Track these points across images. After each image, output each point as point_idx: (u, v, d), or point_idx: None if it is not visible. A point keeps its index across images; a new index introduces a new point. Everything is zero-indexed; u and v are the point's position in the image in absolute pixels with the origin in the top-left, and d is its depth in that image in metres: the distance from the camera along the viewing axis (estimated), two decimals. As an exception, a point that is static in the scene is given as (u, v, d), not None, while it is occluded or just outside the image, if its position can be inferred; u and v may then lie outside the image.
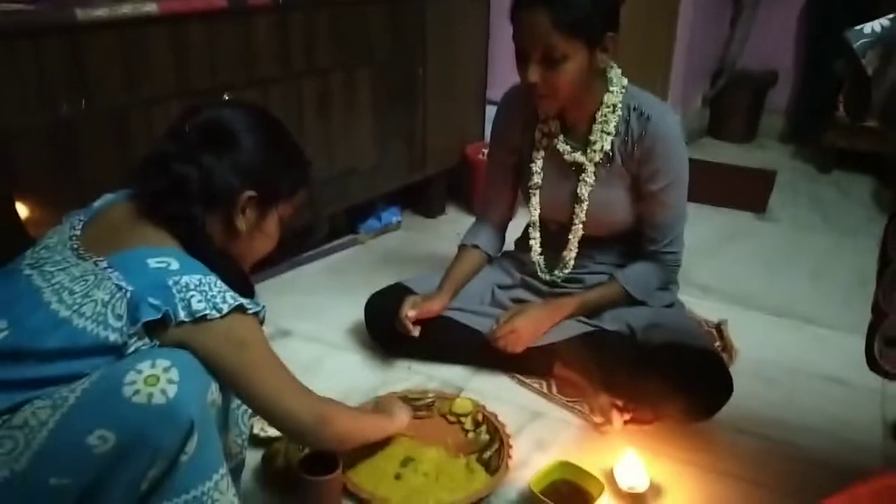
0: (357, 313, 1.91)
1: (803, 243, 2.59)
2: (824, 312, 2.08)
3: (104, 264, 1.06)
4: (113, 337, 1.02)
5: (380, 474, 1.42)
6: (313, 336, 1.94)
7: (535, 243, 1.77)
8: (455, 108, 2.63)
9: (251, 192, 1.15)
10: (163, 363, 1.00)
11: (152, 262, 1.06)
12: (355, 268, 2.35)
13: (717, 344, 1.91)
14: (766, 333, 2.00)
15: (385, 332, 1.80)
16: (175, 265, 1.06)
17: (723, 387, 1.55)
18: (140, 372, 0.99)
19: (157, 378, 0.99)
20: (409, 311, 1.70)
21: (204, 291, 1.05)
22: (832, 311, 2.07)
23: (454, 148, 2.67)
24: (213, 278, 1.08)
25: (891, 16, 1.11)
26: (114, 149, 1.65)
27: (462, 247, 1.86)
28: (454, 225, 2.57)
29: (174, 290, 1.03)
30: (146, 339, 1.03)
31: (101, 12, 1.55)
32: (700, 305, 2.08)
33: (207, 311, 1.04)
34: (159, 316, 1.02)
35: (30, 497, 1.00)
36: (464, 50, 2.59)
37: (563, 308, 1.71)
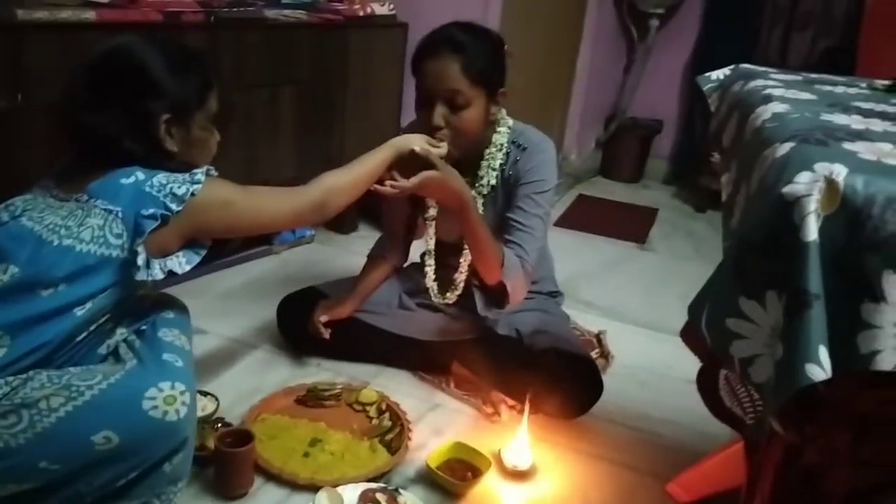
0: (269, 315, 2.03)
1: (677, 270, 2.89)
2: (690, 327, 2.34)
3: (85, 198, 1.16)
4: (115, 253, 1.14)
5: (289, 452, 1.53)
6: (227, 335, 2.04)
7: (430, 270, 1.88)
8: (371, 130, 2.77)
9: (166, 116, 1.22)
10: (180, 387, 1.14)
11: (124, 181, 1.16)
12: (269, 276, 2.45)
13: (596, 351, 2.13)
14: (640, 343, 2.24)
15: (297, 331, 1.92)
16: (141, 175, 1.17)
17: (594, 389, 1.74)
18: (161, 390, 1.11)
19: (174, 398, 1.12)
20: (322, 316, 1.82)
21: (176, 179, 1.18)
22: None
23: (368, 169, 2.81)
24: (171, 174, 1.20)
25: (731, 67, 1.38)
26: (49, 142, 1.71)
27: (370, 257, 1.99)
28: (366, 241, 2.66)
29: (154, 192, 1.15)
30: (144, 253, 1.14)
31: (41, 14, 1.64)
32: (583, 318, 2.31)
33: (191, 188, 1.17)
34: (159, 222, 1.14)
35: (11, 471, 1.06)
36: (381, 78, 2.75)
37: (472, 203, 1.62)
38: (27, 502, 1.11)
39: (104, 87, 1.20)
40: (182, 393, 1.14)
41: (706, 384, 0.91)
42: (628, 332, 2.30)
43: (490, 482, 1.54)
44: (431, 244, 1.86)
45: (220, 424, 1.57)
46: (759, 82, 1.19)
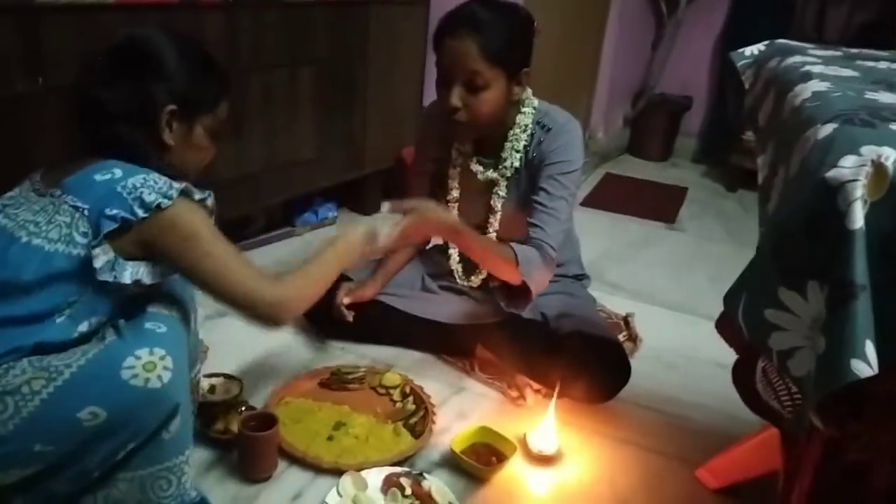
0: (293, 297, 2.02)
1: (706, 251, 2.84)
2: (720, 310, 2.28)
3: (58, 192, 1.13)
4: (83, 253, 1.10)
5: (312, 436, 1.53)
6: (251, 317, 2.03)
7: (454, 253, 1.88)
8: (393, 111, 2.76)
9: (172, 107, 1.19)
10: (160, 352, 1.09)
11: (98, 177, 1.12)
12: (291, 258, 2.44)
13: (624, 334, 2.10)
14: (668, 326, 2.20)
15: (320, 314, 1.91)
16: (119, 173, 1.13)
17: (622, 373, 1.70)
18: (139, 357, 1.08)
19: (154, 364, 1.08)
20: (345, 299, 1.81)
21: (150, 186, 1.11)
22: None
23: (391, 149, 2.79)
24: (154, 175, 1.14)
25: (766, 42, 1.32)
26: (67, 126, 1.71)
27: (394, 239, 1.98)
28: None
29: (124, 195, 1.10)
30: (110, 253, 1.10)
31: (59, -4, 1.63)
32: (610, 300, 2.27)
33: (159, 200, 1.10)
34: (117, 224, 1.08)
35: (10, 457, 1.06)
36: (403, 56, 2.71)
37: (456, 225, 1.62)
38: (37, 484, 1.11)
39: (117, 67, 1.18)
40: (162, 358, 1.09)
41: (742, 377, 0.87)
42: (656, 315, 2.26)
43: (515, 467, 1.53)
44: None
45: (244, 408, 1.57)
46: (797, 58, 1.14)
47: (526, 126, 1.71)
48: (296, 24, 2.25)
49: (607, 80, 3.69)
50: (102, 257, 1.10)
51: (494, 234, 1.80)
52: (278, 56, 2.23)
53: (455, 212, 1.82)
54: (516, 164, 1.72)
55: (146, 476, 1.17)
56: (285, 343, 1.94)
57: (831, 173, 0.65)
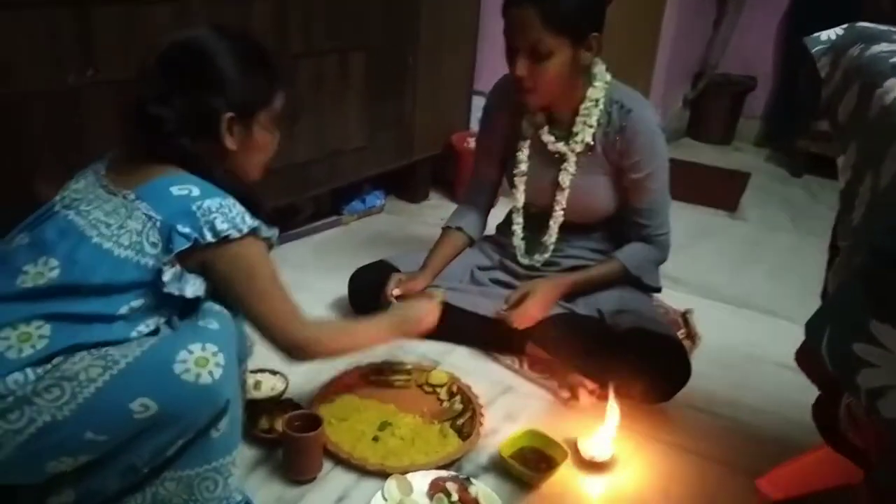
0: (340, 289, 1.99)
1: (770, 241, 2.71)
2: (783, 305, 2.18)
3: (132, 196, 1.15)
4: (151, 263, 1.12)
5: (358, 436, 1.50)
6: (298, 309, 2.02)
7: (518, 228, 1.85)
8: (443, 96, 2.70)
9: (230, 113, 1.20)
10: (212, 347, 1.11)
11: (175, 190, 1.14)
12: (339, 247, 2.42)
13: (682, 331, 2.01)
14: (729, 322, 2.11)
15: (368, 305, 1.88)
16: (196, 191, 1.14)
17: (681, 372, 1.64)
18: (191, 352, 1.09)
19: (206, 360, 1.09)
20: (394, 289, 1.78)
21: (225, 213, 1.14)
22: (790, 304, 2.17)
23: (440, 135, 2.74)
24: (230, 200, 1.16)
25: (844, 26, 1.21)
26: (117, 118, 1.71)
27: (446, 229, 1.93)
28: (437, 210, 2.65)
29: (198, 215, 1.12)
30: (177, 267, 1.13)
31: (109, -12, 1.62)
32: (668, 295, 2.17)
33: (230, 232, 1.13)
34: (190, 244, 1.11)
35: (63, 444, 1.07)
36: (454, 41, 2.65)
37: (569, 283, 1.77)
38: (87, 477, 1.13)
39: (172, 80, 1.18)
40: (214, 354, 1.10)
41: (823, 415, 0.80)
42: (716, 310, 2.17)
43: (565, 473, 1.47)
44: (521, 201, 1.84)
45: (289, 406, 1.55)
46: (884, 46, 1.03)
47: (597, 101, 1.69)
48: (345, 8, 2.21)
49: (666, 59, 3.54)
50: (170, 270, 1.12)
51: (561, 212, 1.78)
52: (328, 42, 2.19)
53: (523, 186, 1.82)
54: (588, 139, 1.70)
55: (193, 476, 1.17)
56: (332, 336, 1.91)
57: (936, 193, 0.57)
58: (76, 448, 1.08)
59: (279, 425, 1.46)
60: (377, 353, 1.82)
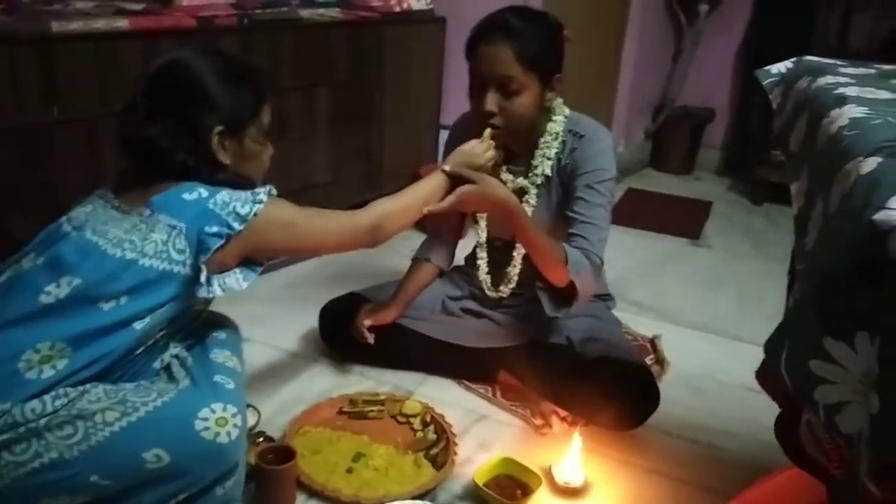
0: (311, 322, 1.99)
1: (733, 268, 2.77)
2: (749, 330, 2.22)
3: (147, 212, 1.17)
4: (177, 269, 1.15)
5: (332, 468, 1.50)
6: (270, 342, 2.01)
7: (483, 263, 1.85)
8: (410, 130, 2.74)
9: (219, 128, 1.22)
10: (232, 409, 1.14)
11: (187, 196, 1.17)
12: (311, 280, 2.41)
13: (651, 357, 2.04)
14: (696, 347, 2.14)
15: (339, 337, 1.89)
16: (204, 192, 1.18)
17: (650, 399, 1.66)
18: (214, 411, 1.12)
19: (226, 420, 1.12)
20: (365, 321, 1.78)
21: (239, 199, 1.18)
22: (756, 329, 2.18)
23: (408, 168, 2.76)
24: (233, 191, 1.20)
25: (793, 59, 1.27)
26: (84, 155, 1.71)
27: (415, 260, 1.93)
28: (407, 242, 2.63)
29: (218, 211, 1.16)
30: (205, 271, 1.16)
31: (75, 26, 1.63)
32: (636, 321, 2.22)
33: (255, 209, 1.17)
34: (224, 240, 1.15)
35: (64, 483, 1.06)
36: (420, 74, 2.70)
37: (519, 212, 1.58)
38: None
39: (160, 100, 1.21)
40: (234, 416, 1.14)
41: (785, 432, 0.82)
42: (683, 336, 2.20)
43: (541, 500, 1.48)
44: (483, 236, 1.84)
45: (261, 438, 1.54)
46: (829, 79, 1.09)
47: (557, 134, 1.71)
48: (311, 45, 2.24)
49: (627, 92, 3.64)
50: (204, 272, 1.16)
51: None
52: (294, 78, 2.22)
53: (484, 223, 1.82)
54: (547, 171, 1.71)
55: None
56: (303, 368, 1.91)
57: (880, 216, 0.60)
58: (76, 489, 1.07)
59: (252, 458, 1.44)
60: (350, 385, 1.82)
